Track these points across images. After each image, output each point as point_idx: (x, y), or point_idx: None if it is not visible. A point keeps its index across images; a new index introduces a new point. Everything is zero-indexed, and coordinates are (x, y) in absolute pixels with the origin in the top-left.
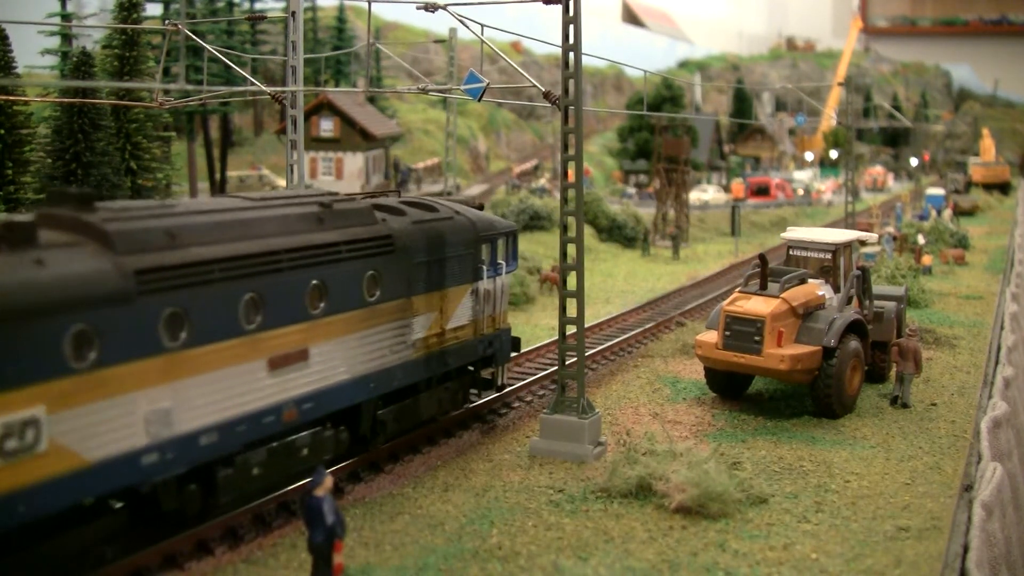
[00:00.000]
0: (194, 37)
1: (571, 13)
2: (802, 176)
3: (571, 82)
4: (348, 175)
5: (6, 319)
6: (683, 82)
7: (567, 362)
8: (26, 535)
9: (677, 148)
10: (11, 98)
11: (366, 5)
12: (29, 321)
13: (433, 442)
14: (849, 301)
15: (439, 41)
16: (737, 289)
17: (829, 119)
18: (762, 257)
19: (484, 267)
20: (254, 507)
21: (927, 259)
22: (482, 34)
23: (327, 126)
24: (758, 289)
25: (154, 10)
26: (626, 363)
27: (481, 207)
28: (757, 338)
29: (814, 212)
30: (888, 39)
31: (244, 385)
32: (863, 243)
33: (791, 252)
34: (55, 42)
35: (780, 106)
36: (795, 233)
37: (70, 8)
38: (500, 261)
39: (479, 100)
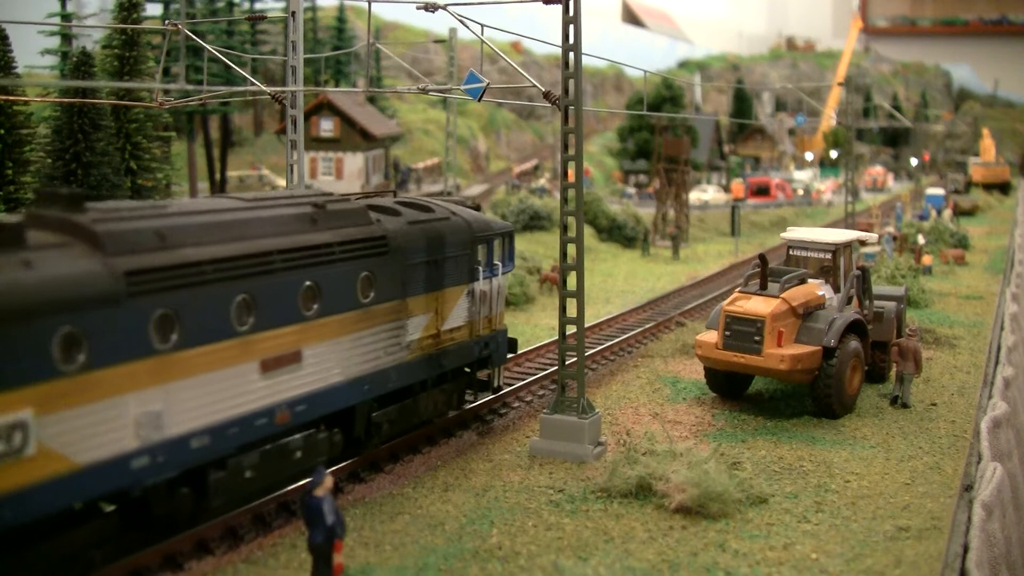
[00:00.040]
0: (194, 37)
1: (571, 13)
2: (802, 176)
3: (571, 82)
4: (348, 175)
5: None
6: (683, 82)
7: (567, 362)
8: (14, 539)
9: (677, 148)
10: (11, 98)
11: (366, 5)
12: (16, 323)
13: (433, 442)
14: (849, 301)
15: (439, 41)
16: (737, 289)
17: (829, 119)
18: (762, 257)
19: (480, 268)
20: (254, 507)
21: (927, 259)
22: (482, 34)
23: (327, 126)
24: (758, 289)
25: (154, 10)
26: (626, 363)
27: (477, 207)
28: (757, 338)
29: (814, 212)
30: (888, 39)
31: (236, 387)
32: (863, 243)
33: (791, 252)
34: (55, 42)
35: (780, 106)
36: (795, 233)
37: (70, 8)
38: (496, 262)
39: (479, 100)
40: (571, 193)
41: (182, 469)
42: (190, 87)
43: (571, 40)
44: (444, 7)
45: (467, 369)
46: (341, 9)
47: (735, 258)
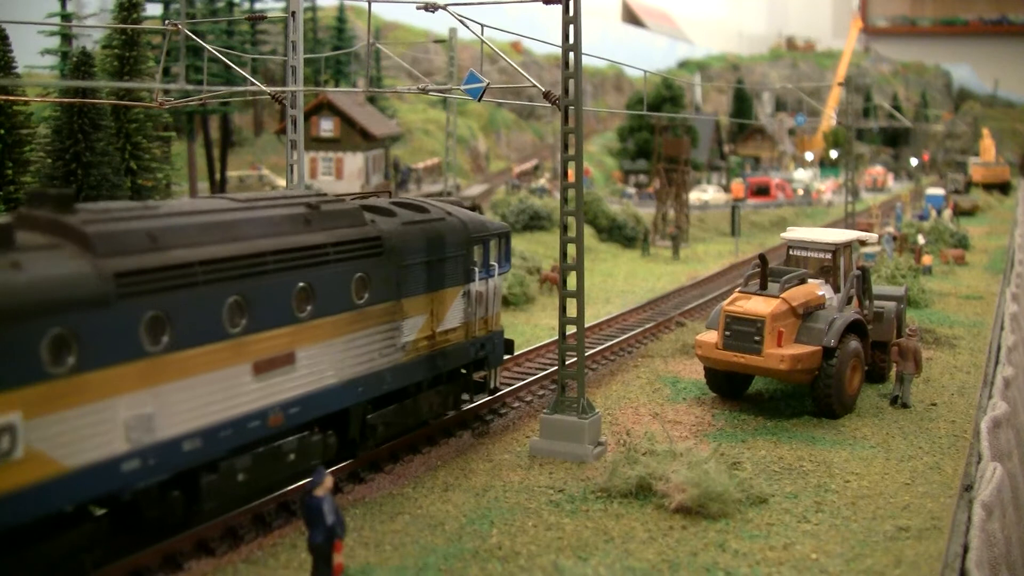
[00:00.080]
0: (194, 37)
1: (571, 13)
2: (802, 176)
3: (571, 82)
4: (348, 175)
5: None
6: (683, 82)
7: (567, 362)
8: (2, 543)
9: (677, 148)
10: (11, 98)
11: (366, 5)
12: (5, 325)
13: (433, 442)
14: (849, 301)
15: (439, 41)
16: (737, 289)
17: (829, 119)
18: (762, 257)
19: (476, 269)
20: (254, 507)
21: (927, 259)
22: (482, 34)
23: (327, 126)
24: (758, 289)
25: (154, 10)
26: (626, 363)
27: (473, 208)
28: (757, 338)
29: (814, 212)
30: (888, 39)
31: (228, 390)
32: (863, 243)
33: (791, 252)
34: (55, 42)
35: (780, 106)
36: (795, 233)
37: (70, 8)
38: (492, 263)
39: (479, 100)
40: (571, 193)
41: (173, 472)
42: (190, 87)
43: (571, 40)
44: (444, 7)
45: (463, 371)
46: (341, 9)
47: (735, 258)
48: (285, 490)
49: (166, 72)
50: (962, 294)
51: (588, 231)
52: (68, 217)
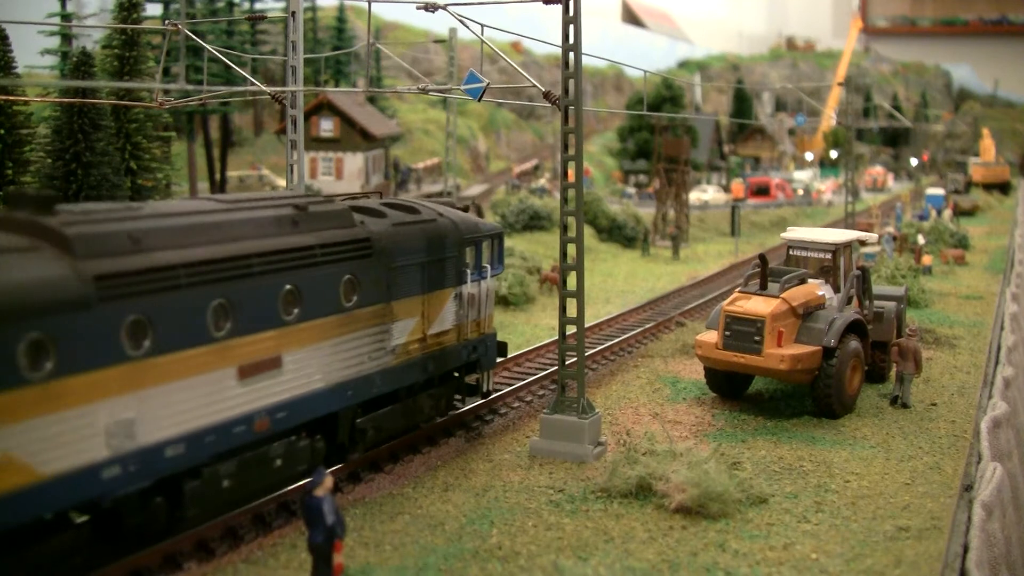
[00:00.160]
0: (194, 37)
1: (571, 13)
2: (802, 176)
3: (571, 82)
4: (348, 175)
5: None
6: (683, 82)
7: (567, 362)
8: None
9: (677, 148)
10: (11, 98)
11: (366, 5)
12: None
13: (433, 442)
14: (849, 301)
15: (439, 41)
16: (737, 289)
17: (829, 119)
18: (762, 257)
19: (468, 270)
20: (254, 507)
21: (927, 259)
22: (482, 34)
23: (327, 126)
24: (758, 289)
25: (154, 10)
26: (626, 363)
27: (467, 208)
28: (757, 338)
29: (814, 212)
30: (888, 39)
31: (212, 394)
32: (863, 243)
33: (791, 252)
34: (55, 42)
35: (780, 106)
36: (795, 233)
37: (70, 8)
38: (485, 264)
39: (479, 100)
40: (571, 193)
41: (155, 479)
42: (190, 87)
43: (571, 40)
44: (444, 7)
45: (456, 373)
46: (341, 9)
47: (735, 258)
48: (285, 490)
49: (166, 72)
50: (962, 294)
51: (588, 231)
52: (48, 219)
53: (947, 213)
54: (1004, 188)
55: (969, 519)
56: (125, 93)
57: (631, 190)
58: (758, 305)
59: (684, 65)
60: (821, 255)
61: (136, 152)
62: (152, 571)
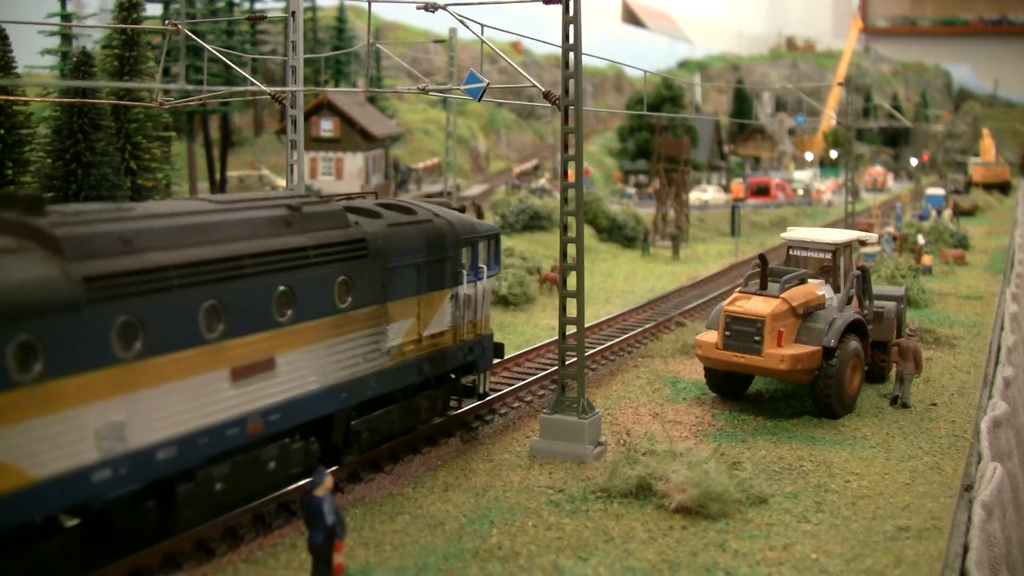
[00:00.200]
0: (194, 37)
1: (571, 13)
2: (802, 176)
3: (571, 82)
4: (348, 175)
5: None
6: (683, 82)
7: (567, 362)
8: None
9: (677, 148)
10: (11, 98)
11: (366, 5)
12: None
13: (433, 442)
14: (849, 301)
15: (439, 41)
16: (737, 289)
17: (829, 119)
18: (762, 257)
19: (464, 271)
20: (254, 507)
21: (927, 259)
22: (482, 34)
23: (327, 126)
24: (758, 289)
25: (154, 10)
26: (626, 363)
27: (463, 209)
28: (757, 338)
29: (814, 212)
30: (888, 39)
31: (205, 397)
32: (863, 243)
33: (791, 252)
34: (55, 42)
35: (780, 106)
36: (795, 233)
37: (70, 8)
38: (481, 265)
39: (479, 100)
40: (571, 193)
41: (147, 482)
42: (190, 87)
43: (571, 40)
44: (444, 7)
45: (452, 375)
46: (341, 9)
47: (735, 258)
48: (285, 490)
49: (166, 72)
50: (962, 294)
51: (588, 231)
52: (37, 220)
53: (947, 213)
54: (1004, 188)
55: (969, 519)
56: (125, 93)
57: (631, 190)
58: (758, 305)
59: (684, 65)
60: (821, 255)
61: (136, 152)
62: (152, 571)
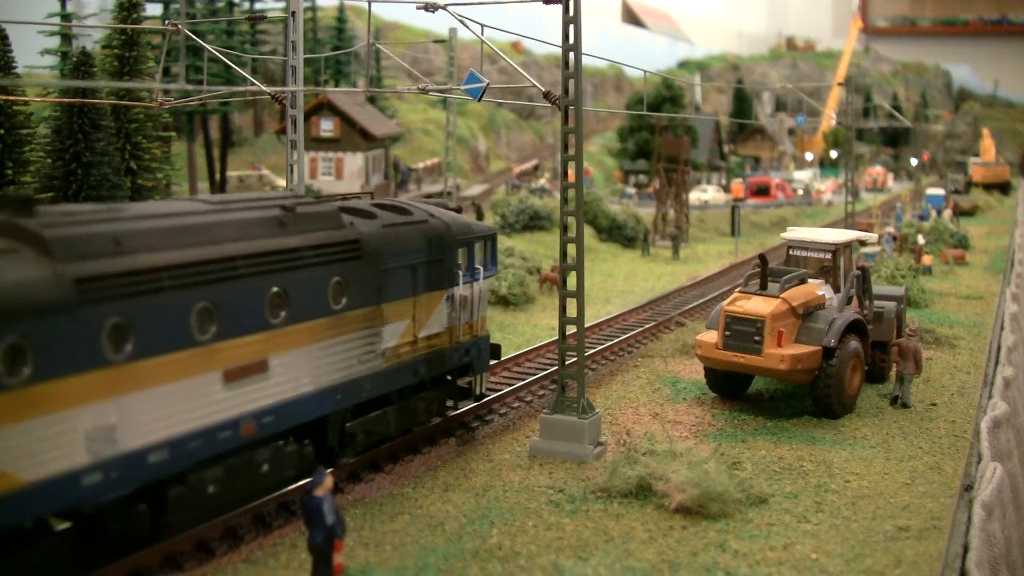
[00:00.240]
0: (194, 37)
1: (571, 13)
2: (802, 176)
3: (571, 82)
4: (348, 175)
5: None
6: (683, 82)
7: (567, 362)
8: None
9: (677, 148)
10: (11, 98)
11: (366, 5)
12: None
13: (433, 442)
14: (849, 301)
15: (439, 41)
16: (737, 289)
17: (829, 119)
18: (762, 257)
19: (460, 272)
20: (254, 507)
21: (927, 259)
22: (482, 34)
23: (327, 126)
24: (758, 289)
25: (154, 10)
26: (626, 363)
27: (460, 209)
28: (757, 338)
29: (814, 212)
30: (888, 39)
31: (197, 399)
32: (863, 243)
33: (791, 252)
34: (55, 42)
35: (780, 106)
36: (795, 233)
37: (70, 8)
38: (478, 266)
39: (479, 100)
40: (571, 193)
41: (138, 485)
42: (190, 87)
43: (571, 40)
44: (444, 7)
45: (448, 377)
46: (341, 9)
47: (735, 258)
48: (285, 490)
49: (166, 72)
50: (962, 294)
51: (588, 231)
52: (27, 220)
53: (947, 213)
54: (1004, 188)
55: (969, 519)
56: (125, 93)
57: (631, 190)
58: (758, 305)
59: (684, 65)
60: (821, 255)
61: (136, 152)
62: (152, 571)
